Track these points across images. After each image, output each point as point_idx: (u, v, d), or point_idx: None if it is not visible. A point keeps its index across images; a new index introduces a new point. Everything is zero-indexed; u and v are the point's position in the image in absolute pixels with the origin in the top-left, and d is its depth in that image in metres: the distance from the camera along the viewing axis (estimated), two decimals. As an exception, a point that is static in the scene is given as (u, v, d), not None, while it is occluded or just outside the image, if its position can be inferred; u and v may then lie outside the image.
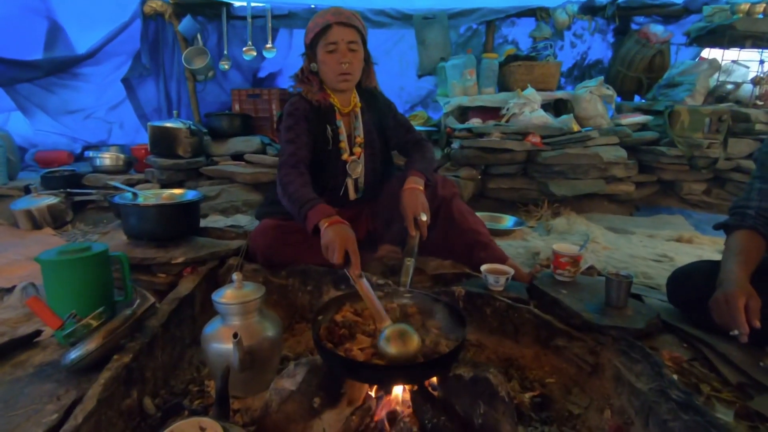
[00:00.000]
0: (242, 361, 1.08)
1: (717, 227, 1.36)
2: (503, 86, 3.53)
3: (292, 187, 1.48)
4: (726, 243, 1.28)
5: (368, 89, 1.78)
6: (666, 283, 1.42)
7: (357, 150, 1.72)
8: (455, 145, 3.12)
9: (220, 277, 1.71)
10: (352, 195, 1.76)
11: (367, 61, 1.69)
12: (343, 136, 1.70)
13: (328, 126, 1.68)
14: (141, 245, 1.72)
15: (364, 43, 1.64)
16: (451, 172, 3.01)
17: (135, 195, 1.83)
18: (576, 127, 3.08)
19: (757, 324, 1.05)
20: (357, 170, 1.73)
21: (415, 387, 1.08)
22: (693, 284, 1.31)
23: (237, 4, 3.72)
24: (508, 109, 3.20)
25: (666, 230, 2.55)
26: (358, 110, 1.74)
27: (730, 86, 3.43)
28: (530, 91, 3.18)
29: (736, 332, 1.08)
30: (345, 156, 1.70)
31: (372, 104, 1.79)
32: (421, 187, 1.56)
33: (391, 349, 1.00)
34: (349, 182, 1.74)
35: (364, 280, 1.19)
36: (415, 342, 1.01)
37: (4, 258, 2.03)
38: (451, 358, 1.03)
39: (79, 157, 3.85)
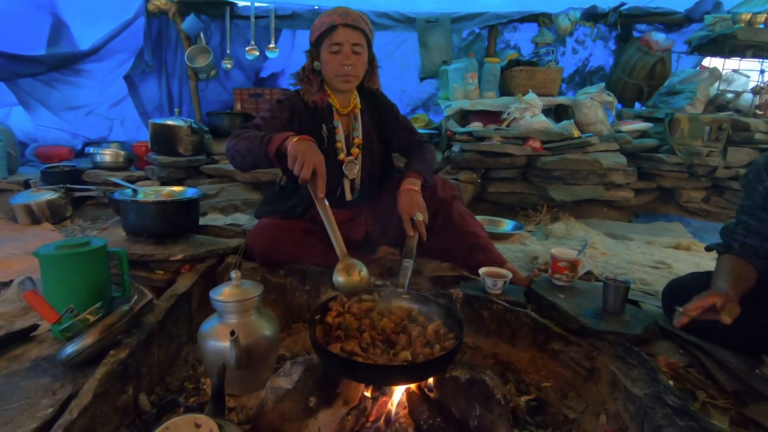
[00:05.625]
0: (239, 359, 1.08)
1: (708, 249, 1.37)
2: (505, 91, 3.54)
3: (246, 132, 1.45)
4: (717, 262, 1.28)
5: (370, 90, 1.76)
6: (661, 295, 1.42)
7: (355, 151, 1.71)
8: (456, 148, 3.13)
9: (218, 275, 1.71)
10: (348, 196, 1.75)
11: (372, 63, 1.68)
12: (340, 137, 1.69)
13: (323, 125, 1.66)
14: (140, 242, 1.73)
15: (370, 45, 1.63)
16: (451, 175, 3.01)
17: (135, 192, 1.84)
18: (576, 133, 3.09)
19: (727, 320, 1.04)
20: (353, 171, 1.71)
21: (411, 388, 1.08)
22: (689, 296, 1.30)
23: (241, 3, 3.73)
24: (509, 114, 3.21)
25: (664, 237, 2.56)
26: (358, 111, 1.73)
27: (730, 95, 3.45)
28: (531, 96, 3.19)
29: (680, 309, 1.10)
30: (341, 156, 1.69)
31: (373, 106, 1.78)
32: (417, 188, 1.56)
33: (340, 278, 1.20)
34: (346, 183, 1.73)
35: (326, 204, 1.23)
36: (360, 275, 1.20)
37: (2, 252, 2.02)
38: (447, 359, 1.03)
39: (80, 153, 3.86)
